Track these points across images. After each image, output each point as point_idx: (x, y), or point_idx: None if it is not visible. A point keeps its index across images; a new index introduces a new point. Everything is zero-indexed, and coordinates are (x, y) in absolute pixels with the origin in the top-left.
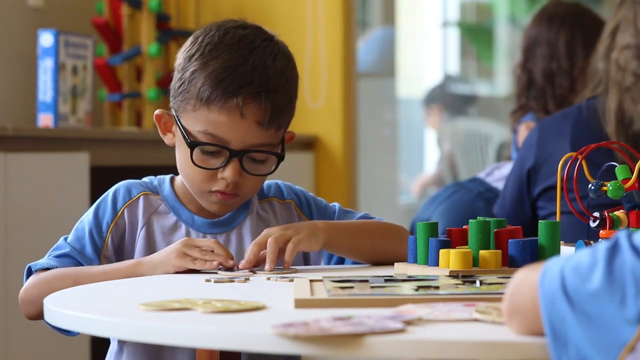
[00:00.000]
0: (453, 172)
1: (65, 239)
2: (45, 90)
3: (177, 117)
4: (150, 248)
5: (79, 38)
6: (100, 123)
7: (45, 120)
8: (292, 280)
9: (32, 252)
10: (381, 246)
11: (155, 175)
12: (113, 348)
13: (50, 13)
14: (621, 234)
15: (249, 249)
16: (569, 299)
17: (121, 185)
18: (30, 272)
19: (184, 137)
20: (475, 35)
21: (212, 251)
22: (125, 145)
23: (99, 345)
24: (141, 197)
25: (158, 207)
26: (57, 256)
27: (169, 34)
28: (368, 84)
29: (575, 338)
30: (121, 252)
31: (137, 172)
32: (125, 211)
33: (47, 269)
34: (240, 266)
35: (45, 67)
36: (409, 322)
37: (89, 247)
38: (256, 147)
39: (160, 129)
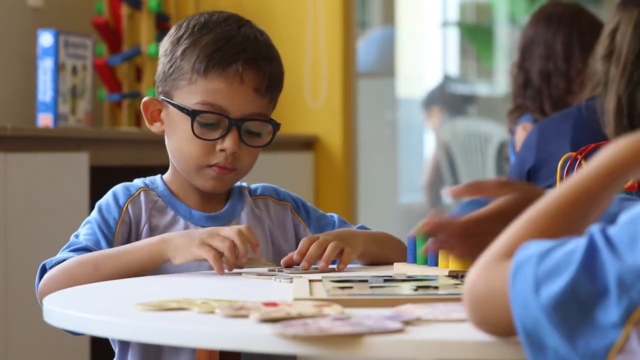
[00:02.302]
0: (449, 163)
1: (77, 237)
2: (44, 90)
3: (169, 98)
4: None
5: (78, 38)
6: (100, 123)
7: (44, 120)
8: (292, 281)
9: (32, 252)
10: (399, 257)
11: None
12: (117, 354)
13: (50, 13)
14: (595, 233)
15: (311, 246)
16: (542, 304)
17: (117, 186)
18: (44, 270)
19: (183, 110)
20: (475, 35)
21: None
22: (125, 145)
23: (99, 345)
24: (141, 193)
25: (156, 202)
26: (73, 250)
27: None
28: (368, 84)
29: (552, 343)
30: None
31: (137, 172)
32: (129, 207)
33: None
34: (301, 266)
35: (45, 67)
36: (408, 322)
37: (103, 242)
38: (253, 115)
39: (146, 118)
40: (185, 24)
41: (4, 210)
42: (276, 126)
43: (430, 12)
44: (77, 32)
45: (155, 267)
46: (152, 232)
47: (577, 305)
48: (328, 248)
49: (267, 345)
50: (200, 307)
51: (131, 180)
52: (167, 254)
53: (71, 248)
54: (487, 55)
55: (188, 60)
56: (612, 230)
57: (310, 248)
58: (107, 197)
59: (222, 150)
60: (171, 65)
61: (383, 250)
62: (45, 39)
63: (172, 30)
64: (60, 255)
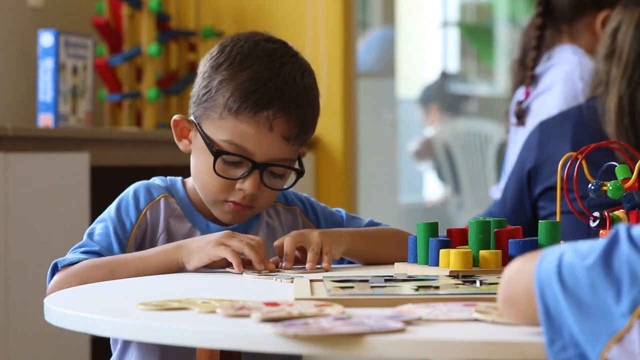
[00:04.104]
0: (450, 163)
1: (90, 237)
2: (45, 90)
3: (198, 124)
4: None
5: (79, 38)
6: (100, 123)
7: (45, 120)
8: (292, 281)
9: (32, 252)
10: (395, 253)
11: (158, 176)
12: (117, 351)
13: (50, 13)
14: (621, 227)
15: (289, 247)
16: (562, 282)
17: (140, 185)
18: (55, 268)
19: (208, 146)
20: (475, 35)
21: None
22: (125, 145)
23: (99, 345)
24: (162, 199)
25: (175, 210)
26: (85, 252)
27: (169, 34)
28: (368, 84)
29: (568, 322)
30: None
31: (137, 172)
32: (148, 212)
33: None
34: (283, 266)
35: (46, 67)
36: (408, 322)
37: (116, 245)
38: (278, 161)
39: (175, 135)
40: (229, 48)
41: (5, 210)
42: (301, 173)
43: (430, 12)
44: (77, 32)
45: (171, 272)
46: (169, 239)
47: (591, 290)
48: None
49: (268, 344)
50: (201, 307)
51: (133, 182)
52: (181, 260)
53: (83, 250)
54: (487, 55)
55: (222, 94)
56: (637, 228)
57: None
58: (129, 195)
59: (241, 189)
60: (206, 92)
61: (375, 248)
62: (46, 39)
63: (214, 50)
64: (72, 255)
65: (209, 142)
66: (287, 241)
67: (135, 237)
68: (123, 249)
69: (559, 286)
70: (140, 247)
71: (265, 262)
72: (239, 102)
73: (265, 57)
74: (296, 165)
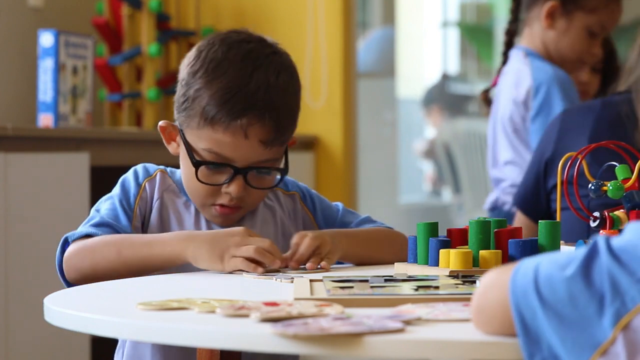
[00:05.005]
0: (450, 163)
1: (97, 211)
2: (45, 90)
3: (182, 131)
4: (162, 222)
5: (79, 38)
6: (101, 123)
7: (45, 120)
8: (292, 281)
9: (32, 252)
10: (390, 255)
11: None
12: (122, 342)
13: (50, 13)
14: (599, 238)
15: (298, 248)
16: (540, 294)
17: (139, 165)
18: (65, 243)
19: (189, 155)
20: (475, 35)
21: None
22: (125, 145)
23: (99, 345)
24: (158, 174)
25: (170, 186)
26: (94, 225)
27: (169, 34)
28: (368, 84)
29: (547, 334)
30: (144, 224)
31: None
32: (146, 185)
33: (86, 237)
34: (291, 265)
35: (46, 67)
36: (408, 322)
37: (123, 216)
38: (259, 163)
39: (164, 139)
40: (204, 53)
41: (5, 210)
42: (284, 172)
43: (430, 12)
44: (77, 32)
45: (175, 266)
46: (162, 210)
47: (571, 302)
48: (302, 249)
49: (267, 344)
50: (201, 307)
51: None
52: (188, 258)
53: (92, 222)
54: (487, 55)
55: (199, 103)
56: (616, 239)
57: (298, 250)
58: (129, 174)
59: (227, 192)
60: (185, 100)
61: (370, 251)
62: (46, 39)
63: (191, 56)
64: (83, 229)
65: (190, 152)
66: (306, 244)
67: (140, 209)
68: (130, 219)
69: (537, 298)
70: (144, 218)
71: (278, 261)
72: (213, 112)
73: (239, 61)
74: (283, 162)
